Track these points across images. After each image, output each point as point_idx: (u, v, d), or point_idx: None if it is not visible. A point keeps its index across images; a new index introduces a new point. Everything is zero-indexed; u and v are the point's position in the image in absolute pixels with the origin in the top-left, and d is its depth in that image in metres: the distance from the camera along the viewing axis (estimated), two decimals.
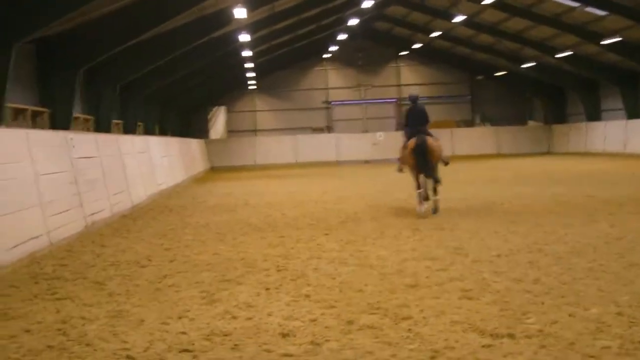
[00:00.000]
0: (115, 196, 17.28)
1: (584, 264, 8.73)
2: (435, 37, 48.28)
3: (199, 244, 11.88)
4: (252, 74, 50.09)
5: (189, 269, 9.52)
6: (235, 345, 5.99)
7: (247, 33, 32.16)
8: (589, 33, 36.74)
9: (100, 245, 12.18)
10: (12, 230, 10.61)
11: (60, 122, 22.94)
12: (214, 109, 58.29)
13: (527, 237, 11.06)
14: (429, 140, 15.33)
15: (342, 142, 51.28)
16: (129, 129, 33.08)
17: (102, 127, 27.95)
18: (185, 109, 50.98)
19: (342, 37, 49.69)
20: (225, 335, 6.28)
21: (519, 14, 37.66)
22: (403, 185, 21.95)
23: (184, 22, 28.03)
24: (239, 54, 39.02)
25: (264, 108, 57.95)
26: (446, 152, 50.10)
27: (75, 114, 24.82)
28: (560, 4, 35.07)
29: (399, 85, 57.96)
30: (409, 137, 15.70)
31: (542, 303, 6.86)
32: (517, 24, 40.34)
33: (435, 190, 15.08)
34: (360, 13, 44.11)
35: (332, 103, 58.10)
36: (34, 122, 22.35)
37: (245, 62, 43.40)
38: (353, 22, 42.20)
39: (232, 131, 57.56)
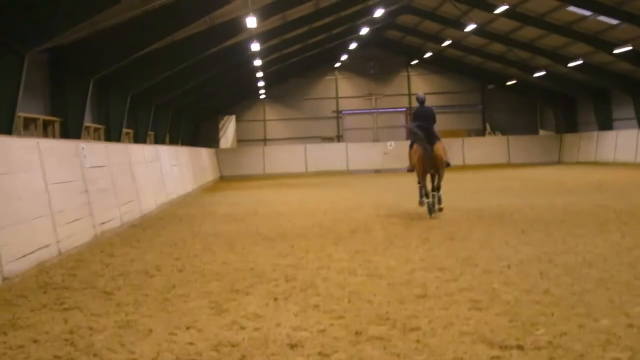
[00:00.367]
0: (125, 205, 17.30)
1: (595, 274, 8.68)
2: (447, 46, 48.33)
3: (208, 254, 11.87)
4: (262, 83, 50.24)
5: (197, 279, 9.50)
6: (243, 356, 5.97)
7: (258, 42, 32.25)
8: (601, 42, 36.69)
9: (109, 255, 12.18)
10: (21, 239, 10.63)
11: (71, 131, 23.05)
12: (225, 118, 58.42)
13: (538, 247, 11.01)
14: (436, 148, 16.51)
15: (352, 151, 51.25)
16: (139, 138, 33.19)
17: (112, 136, 28.07)
18: (195, 118, 51.12)
19: (353, 46, 49.87)
20: (233, 346, 6.27)
21: (531, 22, 37.63)
22: (413, 195, 21.92)
23: (194, 31, 28.15)
24: (250, 63, 39.15)
25: (274, 117, 58.09)
26: (457, 161, 50.17)
27: (86, 123, 24.93)
28: (572, 13, 35.04)
29: (409, 95, 57.94)
30: (413, 140, 17.01)
31: (552, 314, 6.83)
32: (528, 32, 40.31)
33: (438, 187, 16.54)
34: (372, 22, 44.25)
35: (343, 112, 58.17)
36: (45, 131, 22.45)
37: (255, 72, 43.53)
38: (364, 31, 42.34)
39: (242, 140, 57.70)
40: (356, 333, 6.48)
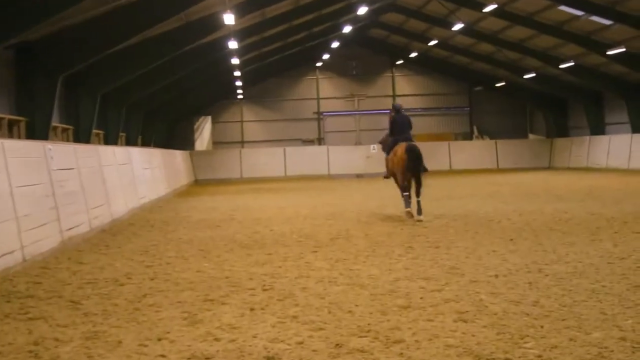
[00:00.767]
0: (94, 210, 17.22)
1: (586, 285, 8.72)
2: (433, 45, 48.49)
3: (181, 262, 11.83)
4: (240, 83, 50.20)
5: (170, 288, 9.47)
6: None
7: (236, 40, 32.21)
8: (594, 43, 36.91)
9: (77, 262, 12.11)
10: None
11: (38, 131, 22.89)
12: (200, 119, 58.30)
13: (527, 256, 11.05)
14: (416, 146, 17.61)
15: (333, 154, 51.27)
16: (110, 140, 33.04)
17: (82, 137, 27.92)
18: (169, 119, 50.95)
19: (335, 44, 49.89)
20: (207, 358, 6.25)
21: (521, 22, 37.80)
22: (397, 201, 21.95)
23: (169, 28, 28.07)
24: (227, 62, 39.11)
25: (252, 118, 58.00)
26: (443, 166, 50.25)
27: (54, 124, 24.79)
28: (564, 13, 35.23)
29: (394, 96, 58.04)
30: (392, 145, 18.07)
31: (542, 327, 6.84)
32: (518, 32, 40.49)
33: (418, 193, 17.19)
34: (355, 20, 44.31)
35: (324, 114, 58.21)
36: (10, 131, 22.30)
37: (233, 71, 43.48)
38: (347, 29, 42.36)
39: (218, 142, 57.60)
40: (336, 345, 6.46)
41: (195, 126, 58.09)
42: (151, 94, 36.57)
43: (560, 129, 52.20)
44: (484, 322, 7.08)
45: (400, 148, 17.55)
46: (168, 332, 7.12)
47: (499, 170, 49.48)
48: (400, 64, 57.89)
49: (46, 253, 12.94)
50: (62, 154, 15.77)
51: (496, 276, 9.47)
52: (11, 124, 22.43)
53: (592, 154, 45.27)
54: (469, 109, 58.49)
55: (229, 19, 26.08)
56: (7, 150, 12.38)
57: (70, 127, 27.79)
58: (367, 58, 58.12)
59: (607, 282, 8.82)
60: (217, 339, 6.81)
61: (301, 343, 6.59)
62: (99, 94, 28.54)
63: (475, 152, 52.31)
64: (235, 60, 38.07)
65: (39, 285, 9.97)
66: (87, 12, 22.45)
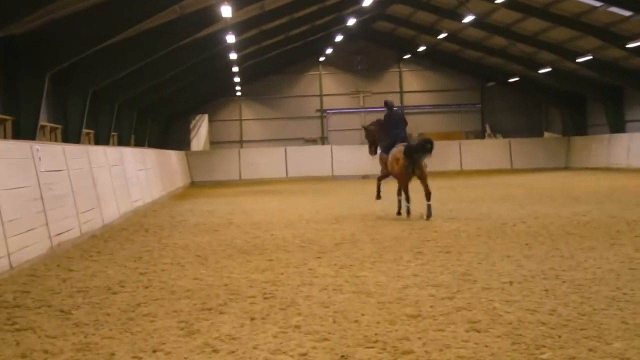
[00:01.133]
0: (84, 214, 17.22)
1: (606, 292, 8.71)
2: (442, 39, 48.54)
3: (177, 268, 11.83)
4: (238, 79, 50.24)
5: (165, 296, 9.47)
6: None
7: (234, 34, 32.24)
8: (613, 35, 36.87)
9: (66, 269, 12.11)
10: None
11: (24, 131, 22.92)
12: (196, 118, 58.34)
13: (543, 262, 11.04)
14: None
15: (337, 154, 51.24)
16: (101, 140, 33.08)
17: (71, 137, 27.96)
18: (164, 117, 51.02)
19: (339, 38, 49.91)
20: None
21: (535, 14, 37.81)
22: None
23: (163, 21, 28.11)
24: (224, 57, 39.14)
25: (251, 117, 58.07)
26: (454, 167, 50.23)
27: (42, 123, 24.81)
28: (581, 4, 35.22)
29: (401, 92, 58.08)
30: (390, 144, 19.03)
31: (559, 336, 6.84)
32: (532, 25, 40.49)
33: (428, 197, 18.06)
34: (360, 12, 44.35)
35: (327, 111, 58.25)
36: None
37: (231, 66, 43.51)
38: (351, 22, 42.40)
39: (215, 142, 57.66)
40: (342, 357, 6.47)
41: (192, 125, 58.18)
42: (144, 91, 36.60)
43: (577, 127, 52.17)
44: (497, 332, 7.07)
45: (401, 153, 18.27)
46: (163, 344, 7.12)
47: (512, 170, 49.43)
48: (408, 58, 57.95)
49: (34, 260, 12.94)
50: (51, 155, 15.78)
51: (510, 283, 9.47)
52: None
53: (612, 153, 45.22)
54: (480, 106, 58.52)
55: (226, 11, 26.11)
56: None
57: (59, 126, 27.84)
58: (373, 52, 58.16)
59: (629, 289, 8.81)
60: (215, 351, 6.81)
61: (304, 354, 6.59)
62: (89, 91, 28.57)
63: (488, 151, 52.27)
64: (233, 55, 38.12)
65: (26, 294, 9.98)
66: (76, 4, 22.49)
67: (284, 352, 6.68)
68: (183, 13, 28.75)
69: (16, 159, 13.72)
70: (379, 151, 20.53)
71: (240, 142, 57.48)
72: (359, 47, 57.56)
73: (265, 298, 9.13)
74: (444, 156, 50.31)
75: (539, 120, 58.44)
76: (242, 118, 58.16)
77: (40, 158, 14.79)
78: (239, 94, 56.66)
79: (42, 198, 14.34)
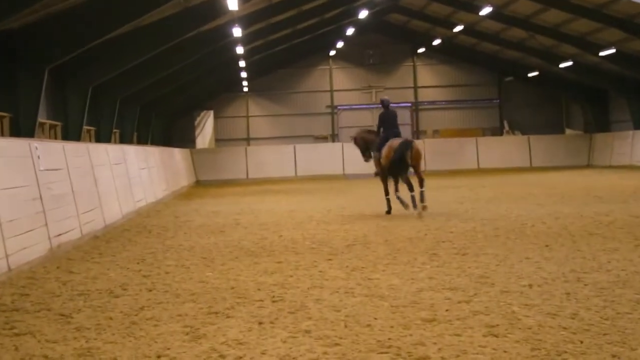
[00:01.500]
0: (85, 214, 17.27)
1: (630, 295, 8.70)
2: (458, 31, 48.41)
3: (182, 271, 11.85)
4: (245, 74, 50.24)
5: (170, 300, 9.49)
6: None
7: (240, 27, 32.25)
8: (637, 27, 36.76)
9: (67, 272, 12.15)
10: None
11: (23, 128, 22.97)
12: (201, 114, 58.37)
13: (564, 264, 11.03)
14: (415, 143, 19.99)
15: (349, 152, 50.85)
16: (102, 137, 33.14)
17: (71, 134, 28.00)
18: (167, 114, 51.08)
19: (350, 31, 49.85)
20: None
21: (556, 5, 37.73)
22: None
23: (167, 14, 28.13)
24: (231, 51, 39.15)
25: (259, 113, 58.10)
26: (471, 165, 50.00)
27: (41, 120, 24.86)
28: None
29: (415, 87, 58.03)
30: (384, 140, 20.01)
31: (581, 342, 6.83)
32: (553, 16, 40.39)
33: (421, 184, 19.19)
34: (372, 4, 44.32)
35: (338, 108, 58.24)
36: None
37: (237, 61, 43.53)
38: (363, 14, 42.34)
39: (221, 140, 57.69)
40: None
41: (197, 122, 58.18)
42: (147, 87, 36.63)
43: (600, 123, 52.04)
44: (516, 337, 7.07)
45: (397, 142, 19.57)
46: (168, 349, 7.14)
47: (532, 169, 49.35)
48: (422, 52, 57.86)
49: (33, 262, 12.98)
50: (50, 153, 15.82)
51: (530, 286, 9.46)
52: None
53: (636, 151, 45.05)
54: (498, 101, 58.43)
55: (232, 3, 26.11)
56: None
57: (59, 123, 27.89)
58: (386, 46, 58.13)
59: None
60: (222, 356, 6.82)
61: None
62: (89, 87, 28.61)
63: (506, 149, 52.18)
64: (239, 49, 38.11)
65: (25, 298, 10.01)
66: None
67: (293, 358, 6.69)
68: (187, 6, 28.77)
69: (14, 157, 13.76)
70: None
71: (247, 140, 57.53)
72: (371, 41, 57.51)
73: (273, 301, 9.14)
74: (460, 154, 50.37)
75: (559, 117, 58.30)
76: (249, 114, 58.20)
77: (39, 156, 14.83)
78: (245, 89, 56.68)
79: (41, 198, 14.39)
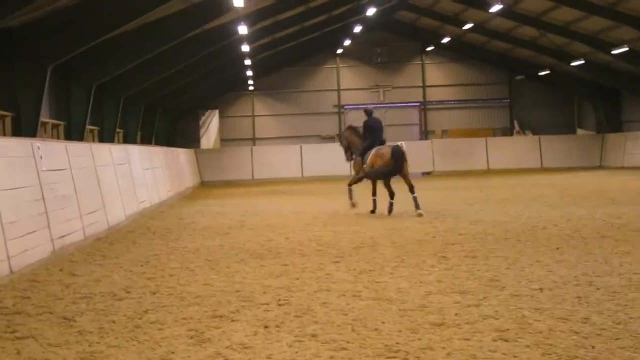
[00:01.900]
0: (88, 216, 17.30)
1: None
2: (468, 29, 48.31)
3: (186, 273, 11.88)
4: (251, 73, 50.22)
5: (174, 303, 9.51)
6: None
7: (246, 24, 32.24)
8: None
9: (70, 274, 12.18)
10: None
11: (25, 128, 22.99)
12: (206, 114, 58.36)
13: (575, 267, 11.02)
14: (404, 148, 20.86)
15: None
16: (106, 137, 33.17)
17: (74, 134, 28.03)
18: (172, 113, 51.08)
19: (357, 29, 49.79)
20: None
21: (568, 2, 37.62)
22: (428, 205, 21.91)
23: (172, 11, 28.13)
24: (236, 49, 39.14)
25: (265, 113, 58.06)
26: (480, 166, 49.94)
27: (43, 119, 24.90)
28: None
29: (424, 86, 57.97)
30: (368, 147, 21.04)
31: (593, 347, 6.83)
32: (564, 14, 40.30)
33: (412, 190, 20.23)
34: (380, 1, 44.21)
35: (345, 107, 58.17)
36: None
37: (243, 59, 43.52)
38: (371, 11, 42.28)
39: (226, 140, 57.65)
40: None
41: (201, 121, 58.17)
42: (151, 86, 36.64)
43: (612, 123, 51.89)
44: (527, 342, 7.07)
45: (386, 150, 20.69)
46: (172, 353, 7.16)
47: (543, 169, 49.33)
48: (431, 50, 57.78)
49: (35, 264, 13.01)
50: (53, 153, 15.85)
51: (541, 290, 9.45)
52: None
53: None
54: (509, 100, 58.30)
55: (238, 0, 26.11)
56: None
57: (61, 122, 27.92)
58: (394, 44, 58.05)
59: None
60: None
61: None
62: (93, 85, 28.63)
63: (517, 149, 52.11)
64: (245, 48, 38.10)
65: (27, 300, 10.04)
66: None
67: None
68: (192, 3, 28.77)
69: (16, 157, 13.79)
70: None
71: (253, 140, 57.50)
72: (378, 39, 57.43)
73: (279, 305, 9.15)
74: (469, 154, 50.35)
75: (571, 116, 58.14)
76: (255, 114, 58.15)
77: (41, 156, 14.86)
78: (251, 88, 56.63)
79: (43, 199, 14.41)
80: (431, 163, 50.59)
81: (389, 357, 6.75)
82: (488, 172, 48.00)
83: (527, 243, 13.90)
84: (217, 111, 58.14)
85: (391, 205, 20.50)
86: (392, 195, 20.69)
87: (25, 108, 23.14)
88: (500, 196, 26.06)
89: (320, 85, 58.22)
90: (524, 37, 48.27)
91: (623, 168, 45.79)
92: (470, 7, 44.67)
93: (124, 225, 20.16)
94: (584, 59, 46.13)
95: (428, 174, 49.89)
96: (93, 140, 31.42)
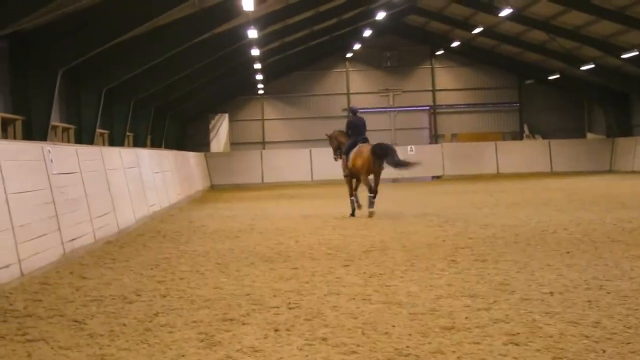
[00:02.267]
0: (98, 219, 17.32)
1: None
2: (478, 33, 48.31)
3: (196, 276, 11.87)
4: (261, 77, 50.26)
5: (184, 306, 9.51)
6: None
7: (256, 28, 32.27)
8: None
9: (80, 277, 12.19)
10: None
11: (35, 131, 23.06)
12: (216, 117, 58.41)
13: (586, 271, 11.00)
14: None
15: None
16: (116, 141, 33.23)
17: (84, 137, 28.09)
18: (182, 117, 51.17)
19: (367, 33, 49.81)
20: None
21: (577, 6, 37.59)
22: (437, 208, 21.90)
23: (181, 15, 28.18)
24: (246, 53, 39.17)
25: (274, 116, 58.11)
26: (490, 169, 49.95)
27: (53, 123, 24.96)
28: None
29: (433, 90, 57.95)
30: (351, 146, 21.91)
31: (603, 351, 6.81)
32: (574, 18, 40.27)
33: (375, 191, 21.38)
34: (390, 5, 44.27)
35: None
36: (5, 131, 22.49)
37: (252, 63, 43.56)
38: (380, 15, 42.30)
39: (236, 143, 57.70)
40: None
41: (211, 125, 58.21)
42: (161, 90, 36.71)
43: (622, 127, 51.76)
44: (537, 346, 7.05)
45: (366, 149, 21.37)
46: (183, 356, 7.16)
47: (552, 174, 49.22)
48: (441, 54, 57.81)
49: (46, 267, 13.03)
50: (63, 157, 15.88)
51: (551, 294, 9.44)
52: (6, 123, 22.63)
53: None
54: (518, 105, 58.28)
55: (248, 4, 26.12)
56: (1, 152, 12.47)
57: (72, 126, 28.00)
58: (403, 48, 58.07)
59: None
60: None
61: None
62: (103, 89, 28.68)
63: (526, 153, 52.00)
64: (255, 51, 38.13)
65: (38, 303, 10.05)
66: None
67: None
68: (202, 7, 28.81)
69: (27, 160, 13.82)
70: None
71: (263, 143, 57.53)
72: (388, 43, 57.43)
73: (290, 308, 9.14)
74: (479, 158, 50.28)
75: (580, 120, 58.05)
76: (265, 118, 58.20)
77: (52, 160, 14.89)
78: (261, 92, 56.67)
79: (54, 202, 14.44)
80: (441, 167, 50.54)
81: None
82: (498, 176, 47.92)
83: (537, 247, 13.87)
84: (226, 115, 58.19)
85: (370, 198, 21.27)
86: (371, 190, 21.35)
87: (36, 112, 23.22)
88: (510, 200, 26.01)
89: (329, 89, 58.26)
90: (533, 41, 48.25)
91: (633, 172, 45.62)
92: (480, 11, 44.68)
93: (134, 229, 20.18)
94: (594, 63, 46.06)
95: (438, 177, 49.87)
96: (103, 144, 31.50)
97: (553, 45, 46.54)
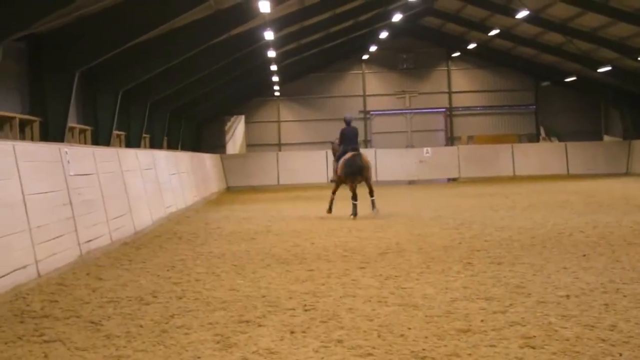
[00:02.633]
0: (115, 220, 17.37)
1: None
2: (494, 35, 48.19)
3: (212, 278, 11.90)
4: (277, 79, 50.28)
5: (200, 308, 9.53)
6: None
7: (272, 30, 32.29)
8: None
9: (96, 278, 12.23)
10: None
11: (52, 133, 23.13)
12: (232, 119, 58.47)
13: (602, 274, 10.96)
14: (363, 156, 23.01)
15: (382, 159, 50.99)
16: (132, 142, 33.30)
17: (101, 139, 28.16)
18: (198, 118, 51.25)
19: (383, 35, 49.76)
20: None
21: (594, 8, 37.44)
22: (453, 210, 21.87)
23: (198, 17, 28.21)
24: (262, 55, 39.19)
25: (290, 118, 58.10)
26: (506, 172, 49.92)
27: (70, 124, 25.03)
28: None
29: (450, 92, 57.85)
30: (342, 154, 22.98)
31: (620, 354, 6.79)
32: (591, 20, 40.11)
33: (371, 194, 23.14)
34: (406, 7, 44.20)
35: (371, 113, 58.14)
36: (22, 132, 22.56)
37: (269, 65, 43.58)
38: (397, 17, 42.24)
39: (252, 145, 57.73)
40: None
41: (227, 127, 58.31)
42: (178, 91, 36.76)
43: (639, 130, 51.57)
44: (553, 349, 7.04)
45: (348, 157, 22.47)
46: (199, 357, 7.17)
47: (569, 176, 49.08)
48: (457, 56, 57.71)
49: (63, 268, 13.08)
50: (80, 158, 15.93)
51: (567, 297, 9.41)
52: (23, 125, 22.69)
53: None
54: (535, 107, 58.09)
55: (264, 6, 26.14)
56: (18, 153, 12.52)
57: (89, 127, 28.06)
58: (420, 50, 57.98)
59: None
60: None
61: None
62: (119, 91, 28.72)
63: (542, 156, 51.89)
64: (271, 53, 38.16)
65: (55, 304, 10.09)
66: (106, 0, 22.67)
67: None
68: (218, 9, 28.83)
69: (44, 162, 13.88)
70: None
71: (279, 145, 57.54)
72: (404, 45, 57.37)
73: (305, 310, 9.15)
74: (495, 161, 50.18)
75: (597, 123, 57.80)
76: (281, 119, 58.21)
77: (69, 161, 14.94)
78: (277, 93, 56.69)
79: (71, 203, 14.49)
80: (457, 169, 50.50)
81: None
82: (514, 179, 47.81)
83: (553, 250, 13.83)
84: (242, 116, 58.23)
85: (354, 206, 22.62)
86: (354, 197, 22.62)
87: (53, 113, 23.28)
88: (526, 202, 25.95)
89: (346, 91, 58.22)
90: (550, 43, 48.09)
91: None
92: (496, 13, 44.55)
93: (150, 230, 20.23)
94: (611, 65, 45.86)
95: (454, 180, 49.82)
96: (120, 145, 31.56)
97: (570, 47, 46.38)
